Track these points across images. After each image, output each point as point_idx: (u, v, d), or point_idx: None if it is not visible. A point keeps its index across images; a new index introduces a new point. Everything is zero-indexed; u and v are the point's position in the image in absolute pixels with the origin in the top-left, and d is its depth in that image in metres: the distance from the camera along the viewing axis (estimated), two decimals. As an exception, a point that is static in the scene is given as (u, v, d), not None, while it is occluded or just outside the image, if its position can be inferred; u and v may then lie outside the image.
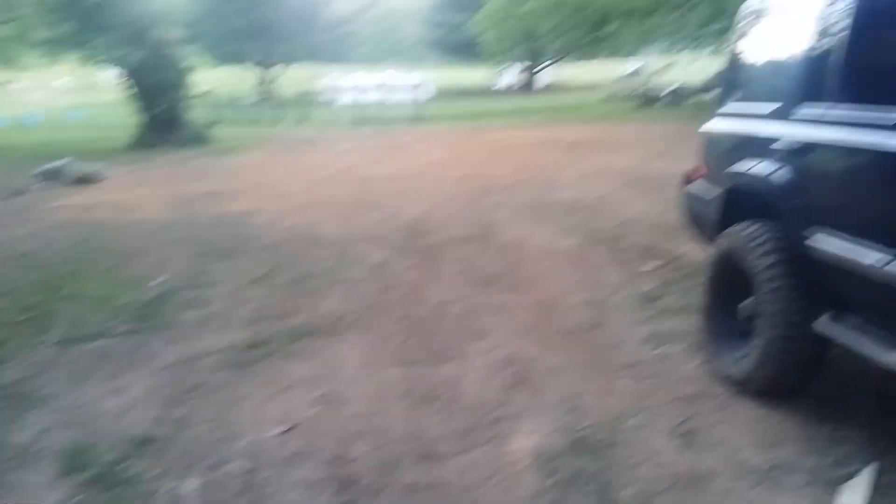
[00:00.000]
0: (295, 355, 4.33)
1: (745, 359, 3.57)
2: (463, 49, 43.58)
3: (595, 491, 2.83)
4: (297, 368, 4.14)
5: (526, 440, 3.23)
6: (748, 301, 3.64)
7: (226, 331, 4.79)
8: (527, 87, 42.31)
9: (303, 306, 5.19)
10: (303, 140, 18.74)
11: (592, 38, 29.72)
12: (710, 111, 4.57)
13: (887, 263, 2.70)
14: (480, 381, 3.86)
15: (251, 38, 38.04)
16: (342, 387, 3.87)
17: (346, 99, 26.80)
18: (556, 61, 42.33)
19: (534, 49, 37.69)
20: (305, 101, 27.74)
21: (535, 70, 43.07)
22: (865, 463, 2.85)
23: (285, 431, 3.42)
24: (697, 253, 5.48)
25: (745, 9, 4.32)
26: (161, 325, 4.93)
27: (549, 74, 44.86)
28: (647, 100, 25.23)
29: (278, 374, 4.08)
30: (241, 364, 4.23)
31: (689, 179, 4.64)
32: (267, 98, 30.93)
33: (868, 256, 2.80)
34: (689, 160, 4.69)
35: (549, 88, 41.78)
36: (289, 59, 40.77)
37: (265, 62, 40.52)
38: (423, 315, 4.93)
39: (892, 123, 2.74)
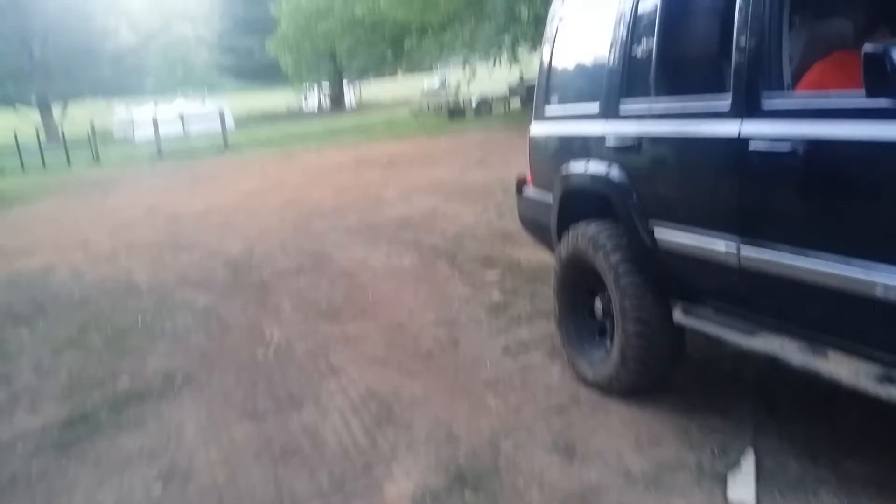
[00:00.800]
0: (124, 426, 3.80)
1: (605, 360, 3.54)
2: (262, 73, 42.56)
3: (487, 527, 2.64)
4: (129, 442, 3.62)
5: (404, 483, 2.97)
6: (600, 300, 3.63)
7: (38, 408, 4.15)
8: (335, 106, 42.01)
9: (125, 368, 4.61)
10: (101, 181, 17.25)
11: (392, 54, 30.17)
12: (532, 117, 4.52)
13: (737, 249, 2.73)
14: (342, 424, 3.55)
15: (24, 79, 34.83)
16: (186, 456, 3.41)
17: (143, 133, 25.20)
18: (361, 79, 42.45)
19: (336, 68, 37.53)
20: (99, 140, 25.65)
21: (340, 89, 42.91)
22: (742, 450, 2.87)
23: (125, 521, 2.94)
24: (536, 257, 5.52)
25: (553, 13, 4.34)
26: (-46, 413, 4.17)
27: (356, 93, 44.89)
28: (456, 111, 25.81)
29: (108, 451, 3.54)
30: (62, 445, 3.65)
31: (522, 184, 4.60)
32: (54, 140, 28.25)
33: (715, 244, 2.81)
34: (505, 166, 4.68)
35: (358, 106, 41.78)
36: (71, 96, 37.71)
37: (44, 102, 37.21)
38: (265, 359, 4.52)
39: (717, 111, 2.77)
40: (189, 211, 10.96)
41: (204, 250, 7.94)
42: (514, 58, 22.01)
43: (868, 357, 2.40)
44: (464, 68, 23.63)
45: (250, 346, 4.75)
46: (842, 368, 2.44)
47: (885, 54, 2.05)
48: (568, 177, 3.82)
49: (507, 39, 20.67)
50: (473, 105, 26.03)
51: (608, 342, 3.56)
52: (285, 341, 4.77)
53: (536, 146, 4.42)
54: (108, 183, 16.68)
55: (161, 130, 24.00)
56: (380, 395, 3.81)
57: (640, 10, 3.36)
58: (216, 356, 4.66)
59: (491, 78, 24.02)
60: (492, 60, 22.76)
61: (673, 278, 3.21)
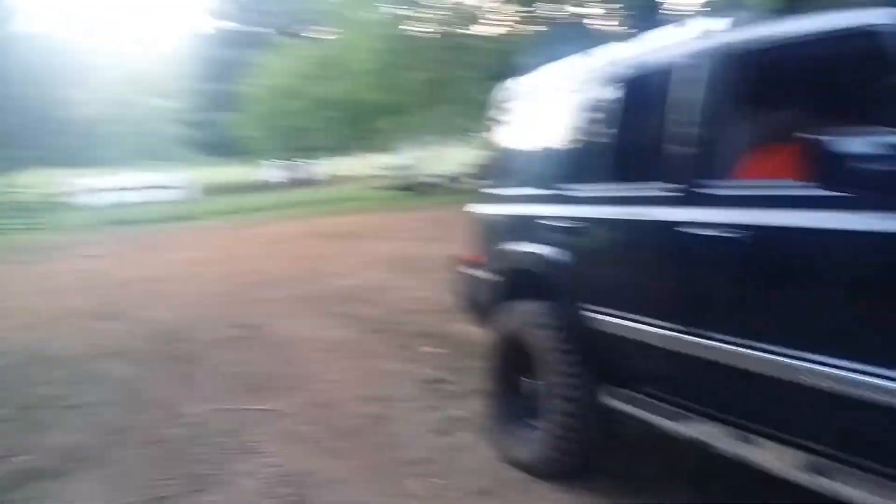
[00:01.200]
0: (13, 507, 3.46)
1: (534, 440, 3.37)
2: (228, 147, 42.59)
3: None
4: (12, 525, 3.28)
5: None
6: (531, 381, 3.46)
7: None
8: (298, 181, 42.13)
9: (27, 443, 4.24)
10: (50, 247, 16.75)
11: (355, 134, 30.56)
12: (476, 196, 4.44)
13: (669, 334, 2.65)
14: (249, 509, 3.26)
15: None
16: (70, 543, 3.08)
17: (101, 201, 24.85)
18: (325, 155, 42.79)
19: (301, 144, 37.82)
20: (53, 206, 25.19)
21: (304, 164, 43.18)
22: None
23: None
24: (475, 334, 5.32)
25: (501, 96, 4.31)
26: None
27: (319, 168, 45.17)
28: (416, 188, 26.01)
29: (-14, 536, 3.19)
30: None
31: (462, 262, 4.47)
32: (6, 205, 27.64)
33: (649, 329, 2.76)
34: (459, 242, 4.52)
35: (321, 182, 41.94)
36: (31, 164, 37.16)
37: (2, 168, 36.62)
38: (178, 436, 4.20)
39: (657, 197, 2.74)
40: (133, 278, 10.59)
41: (135, 319, 7.58)
42: (472, 139, 22.41)
43: (799, 446, 2.30)
44: (425, 148, 23.99)
45: (165, 422, 4.43)
46: (771, 457, 2.36)
47: (824, 145, 2.01)
48: (506, 256, 3.76)
49: (467, 122, 21.10)
50: (433, 182, 26.25)
51: (538, 423, 3.37)
52: (203, 417, 4.46)
53: (478, 225, 4.33)
54: (57, 249, 16.21)
55: (119, 198, 23.74)
56: (294, 476, 3.53)
57: (587, 97, 3.36)
58: (126, 433, 4.32)
59: (450, 157, 24.37)
60: (452, 141, 23.19)
61: (606, 360, 3.12)
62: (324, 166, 45.70)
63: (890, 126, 1.97)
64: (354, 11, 20.74)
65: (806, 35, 2.34)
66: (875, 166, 1.92)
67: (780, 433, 2.36)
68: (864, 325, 2.08)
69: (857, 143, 1.94)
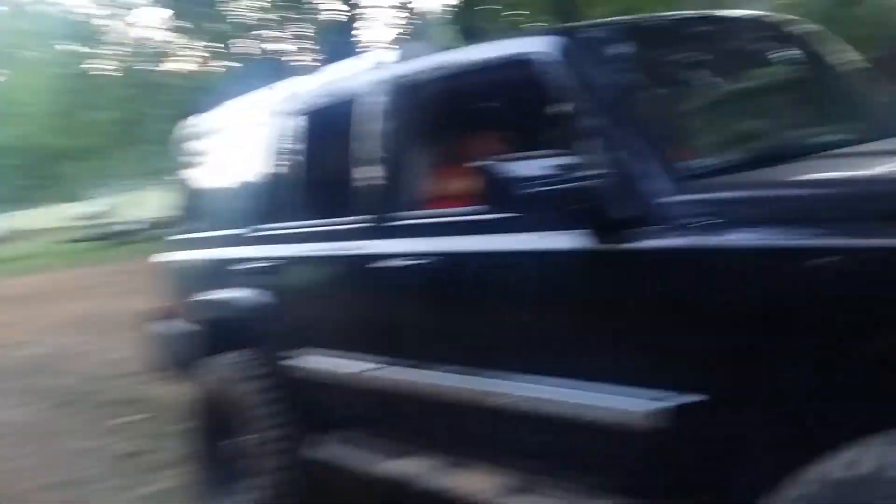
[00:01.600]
0: None
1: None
2: None
3: None
4: None
5: None
6: (238, 439, 3.29)
7: None
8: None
9: None
10: None
11: (39, 182, 27.56)
12: (169, 243, 4.17)
13: (370, 370, 2.63)
14: None
15: None
16: None
17: None
18: (3, 209, 38.00)
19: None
20: None
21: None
22: None
23: None
24: (176, 395, 5.00)
25: (186, 134, 4.11)
26: None
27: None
28: (115, 238, 24.06)
29: None
30: None
31: (157, 316, 4.15)
32: None
33: (352, 367, 2.72)
34: (156, 297, 4.22)
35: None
36: None
37: None
38: None
39: (352, 231, 2.74)
40: None
41: None
42: (171, 181, 21.31)
43: (510, 469, 2.32)
44: (120, 193, 22.41)
45: None
46: (479, 485, 2.35)
47: (490, 170, 2.05)
48: (204, 305, 3.53)
49: (164, 163, 20.02)
50: (130, 230, 24.48)
51: (247, 485, 3.18)
52: None
53: (172, 273, 4.06)
54: None
55: None
56: None
57: (273, 132, 3.27)
58: None
59: (149, 201, 22.98)
60: (150, 184, 21.89)
61: (313, 407, 3.04)
62: (1, 221, 40.54)
63: (549, 149, 2.06)
64: (25, 51, 18.84)
65: (473, 64, 2.45)
66: (536, 188, 1.97)
67: (489, 458, 2.41)
68: (544, 342, 2.14)
69: (519, 167, 2.00)
